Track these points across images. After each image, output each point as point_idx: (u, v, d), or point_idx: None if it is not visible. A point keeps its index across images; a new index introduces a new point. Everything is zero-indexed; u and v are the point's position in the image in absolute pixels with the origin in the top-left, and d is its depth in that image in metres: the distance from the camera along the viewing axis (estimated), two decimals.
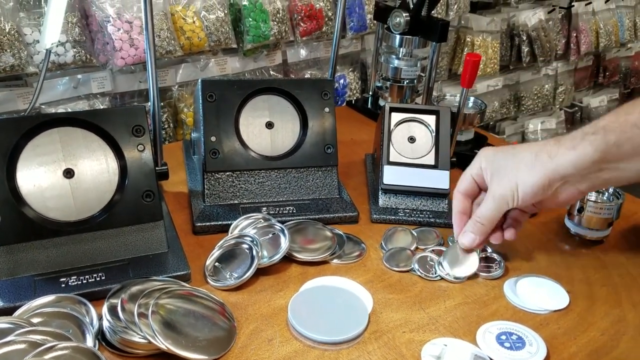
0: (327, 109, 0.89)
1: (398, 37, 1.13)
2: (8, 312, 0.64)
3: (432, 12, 1.12)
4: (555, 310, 0.72)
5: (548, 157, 0.66)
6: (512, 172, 0.70)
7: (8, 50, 0.96)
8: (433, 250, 0.81)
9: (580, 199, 0.74)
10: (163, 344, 0.60)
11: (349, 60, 1.51)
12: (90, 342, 0.60)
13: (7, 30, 0.96)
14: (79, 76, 1.09)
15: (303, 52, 1.36)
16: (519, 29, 1.84)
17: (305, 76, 1.38)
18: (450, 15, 1.62)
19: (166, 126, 1.21)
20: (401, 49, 1.15)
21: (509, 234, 0.76)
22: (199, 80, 0.86)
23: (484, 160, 0.73)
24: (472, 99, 1.14)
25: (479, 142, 1.13)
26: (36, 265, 0.70)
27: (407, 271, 0.78)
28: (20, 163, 0.69)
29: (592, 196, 0.85)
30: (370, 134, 1.07)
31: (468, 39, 1.72)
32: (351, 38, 1.46)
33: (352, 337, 0.66)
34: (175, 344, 0.60)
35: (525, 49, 1.85)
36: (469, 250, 0.76)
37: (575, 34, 2.05)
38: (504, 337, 0.67)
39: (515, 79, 1.98)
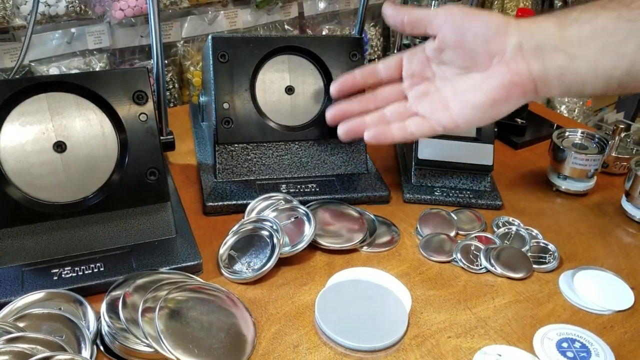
0: None
1: None
2: None
3: None
4: (620, 311, 0.63)
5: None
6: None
7: None
8: (476, 236, 0.71)
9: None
10: (172, 353, 0.51)
11: (370, 14, 1.37)
12: (86, 351, 0.52)
13: None
14: (73, 30, 0.96)
15: (321, 5, 1.23)
16: None
17: (323, 32, 1.25)
18: None
19: (170, 87, 1.10)
20: (433, 2, 1.03)
21: (371, 131, 0.62)
22: (209, 37, 0.75)
23: None
24: None
25: (521, 108, 1.01)
26: (24, 254, 0.60)
27: (448, 262, 0.68)
28: (3, 136, 0.59)
29: None
30: None
31: None
32: None
33: (390, 343, 0.57)
34: (186, 353, 0.51)
35: (558, 4, 1.71)
36: None
37: None
38: (565, 344, 0.58)
39: None
